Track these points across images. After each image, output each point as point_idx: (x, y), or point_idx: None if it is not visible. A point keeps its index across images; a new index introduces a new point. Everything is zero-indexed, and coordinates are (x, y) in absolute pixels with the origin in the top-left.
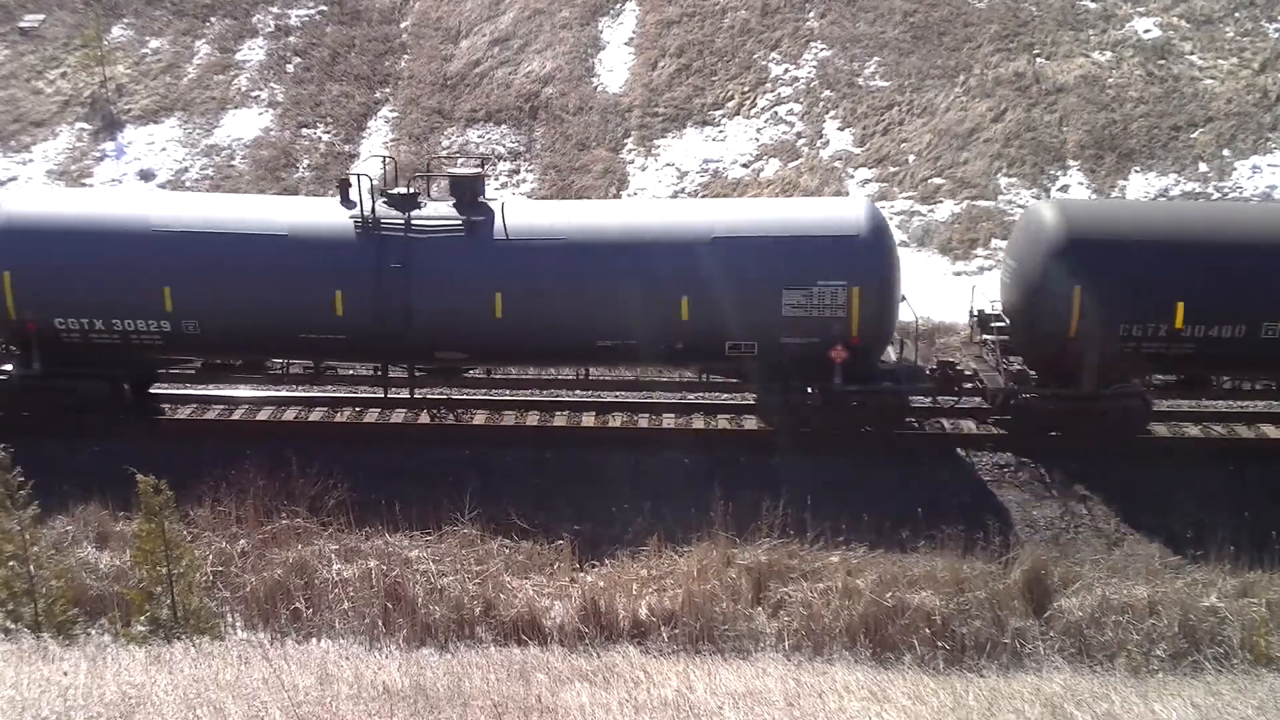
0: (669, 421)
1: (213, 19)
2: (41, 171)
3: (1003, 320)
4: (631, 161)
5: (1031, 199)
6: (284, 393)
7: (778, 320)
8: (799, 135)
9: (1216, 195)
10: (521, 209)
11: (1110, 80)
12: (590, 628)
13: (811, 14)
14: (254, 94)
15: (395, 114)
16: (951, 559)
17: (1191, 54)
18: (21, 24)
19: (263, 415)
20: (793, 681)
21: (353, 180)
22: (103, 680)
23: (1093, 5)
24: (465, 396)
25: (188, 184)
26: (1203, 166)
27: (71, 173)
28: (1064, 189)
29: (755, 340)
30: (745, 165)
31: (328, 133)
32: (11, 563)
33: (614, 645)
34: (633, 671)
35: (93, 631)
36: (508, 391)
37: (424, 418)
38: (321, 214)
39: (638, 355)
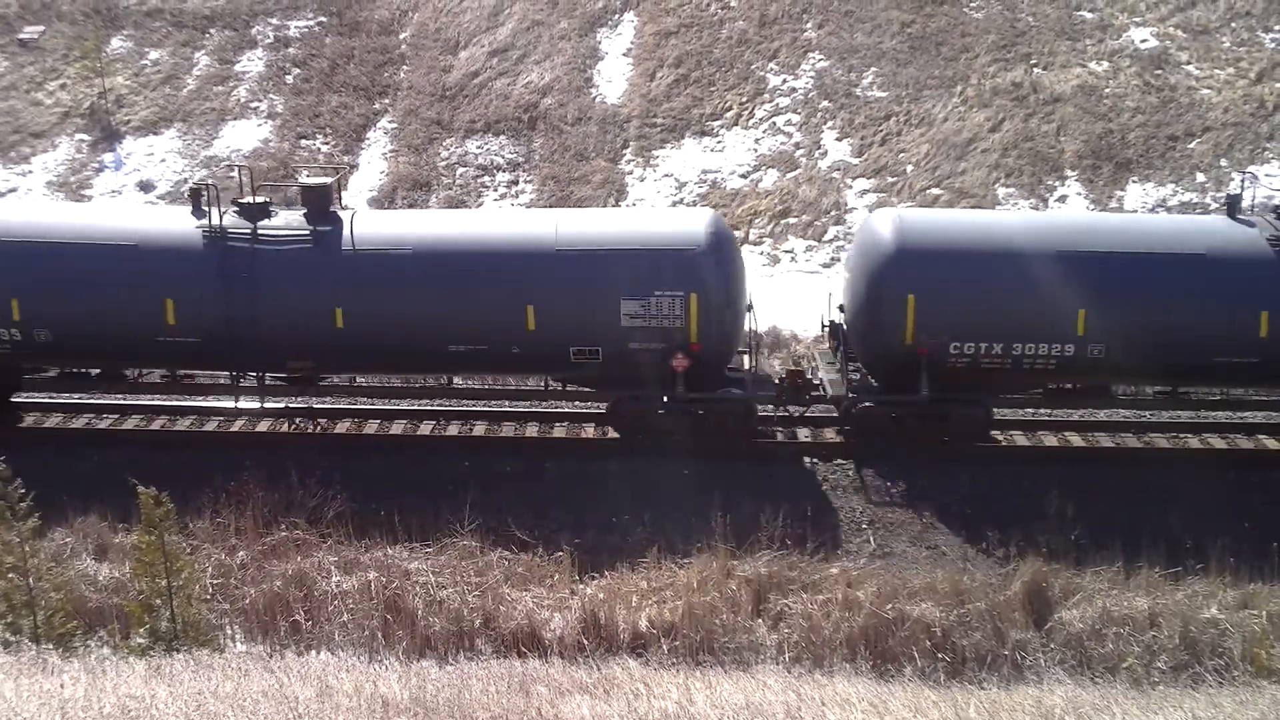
0: None
1: (212, 30)
2: (41, 183)
3: None
4: (630, 172)
5: (1029, 208)
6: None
7: None
8: (797, 145)
9: (1215, 206)
10: None
11: (1107, 90)
12: (590, 640)
13: (809, 25)
14: (253, 105)
15: (394, 125)
16: (951, 570)
17: (1188, 64)
18: (21, 36)
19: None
20: (793, 694)
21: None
22: (102, 693)
23: (1089, 15)
24: None
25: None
26: (1200, 176)
27: (70, 184)
28: (1062, 199)
29: None
30: (744, 176)
31: (327, 144)
32: (11, 575)
33: (614, 657)
34: (633, 683)
35: (92, 644)
36: None
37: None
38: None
39: None
